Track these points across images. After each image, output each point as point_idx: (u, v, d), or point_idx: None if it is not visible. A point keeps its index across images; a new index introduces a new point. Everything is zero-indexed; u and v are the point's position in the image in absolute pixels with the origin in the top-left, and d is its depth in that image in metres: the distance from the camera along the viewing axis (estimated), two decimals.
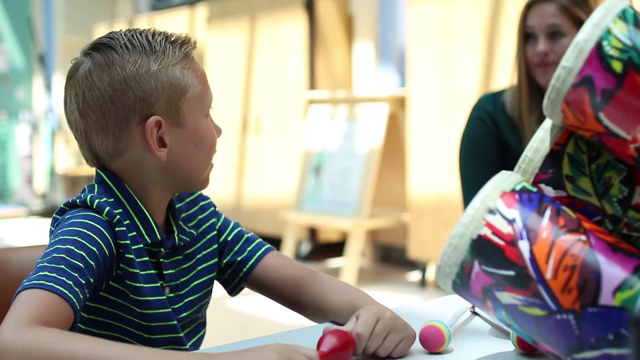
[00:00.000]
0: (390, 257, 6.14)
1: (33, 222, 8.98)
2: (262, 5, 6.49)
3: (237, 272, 1.56)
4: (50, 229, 1.39)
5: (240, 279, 1.56)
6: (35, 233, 7.98)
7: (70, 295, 1.21)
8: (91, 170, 1.47)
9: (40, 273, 1.22)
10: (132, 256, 1.36)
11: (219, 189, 6.88)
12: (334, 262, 6.19)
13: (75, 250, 1.27)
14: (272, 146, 6.41)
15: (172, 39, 1.42)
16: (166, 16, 7.75)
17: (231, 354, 1.14)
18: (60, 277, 1.21)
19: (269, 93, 6.43)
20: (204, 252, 1.52)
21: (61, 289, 1.20)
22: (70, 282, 1.22)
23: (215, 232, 1.55)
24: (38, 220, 9.06)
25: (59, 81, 9.84)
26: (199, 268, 1.51)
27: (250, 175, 6.62)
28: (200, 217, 1.54)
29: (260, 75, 6.52)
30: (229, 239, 1.57)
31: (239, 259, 1.56)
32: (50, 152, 9.71)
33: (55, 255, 1.25)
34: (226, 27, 6.84)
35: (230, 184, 6.80)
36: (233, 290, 1.59)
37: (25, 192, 9.83)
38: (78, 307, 1.22)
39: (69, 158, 9.60)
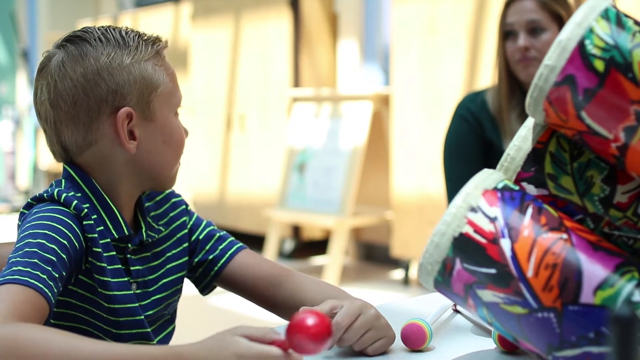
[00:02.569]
0: (374, 255, 6.15)
1: (16, 218, 8.92)
2: (247, 2, 6.48)
3: (208, 270, 1.55)
4: (18, 223, 1.39)
5: (212, 277, 1.55)
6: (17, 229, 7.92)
7: (45, 289, 1.21)
8: None
9: (14, 268, 1.21)
10: (99, 250, 1.36)
11: (203, 186, 6.87)
12: (317, 260, 6.19)
13: (47, 244, 1.27)
14: (256, 143, 6.40)
15: (145, 37, 1.44)
16: (150, 13, 7.72)
17: (198, 350, 1.12)
18: (35, 272, 1.22)
19: (254, 90, 6.42)
20: (173, 251, 1.52)
21: (36, 283, 1.20)
22: (45, 276, 1.22)
23: (186, 231, 1.54)
24: None
25: None
26: (168, 266, 1.50)
27: (234, 173, 6.61)
28: (171, 214, 1.54)
29: (245, 73, 6.51)
30: (201, 237, 1.56)
31: (211, 257, 1.55)
32: (33, 148, 9.66)
33: (27, 249, 1.25)
34: (210, 24, 6.83)
35: (214, 181, 6.79)
36: (205, 289, 1.58)
37: (8, 188, 9.79)
38: (53, 301, 1.22)
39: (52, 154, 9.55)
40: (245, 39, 6.50)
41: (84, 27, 1.43)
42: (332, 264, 5.37)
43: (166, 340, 1.51)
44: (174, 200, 1.56)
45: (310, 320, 1.10)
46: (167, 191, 1.55)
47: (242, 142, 6.52)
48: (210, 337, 1.12)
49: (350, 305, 1.33)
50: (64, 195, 1.36)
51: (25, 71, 9.89)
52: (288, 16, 6.12)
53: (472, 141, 2.72)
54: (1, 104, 10.13)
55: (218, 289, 1.60)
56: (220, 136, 6.71)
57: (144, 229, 1.46)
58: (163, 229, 1.51)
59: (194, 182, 6.96)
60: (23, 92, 10.15)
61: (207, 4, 6.87)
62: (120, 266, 1.40)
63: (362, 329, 1.31)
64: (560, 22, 2.64)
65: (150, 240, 1.47)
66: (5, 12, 10.15)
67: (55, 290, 1.24)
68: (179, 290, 1.53)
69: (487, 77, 4.53)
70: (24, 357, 1.08)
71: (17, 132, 9.97)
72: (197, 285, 1.59)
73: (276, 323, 1.54)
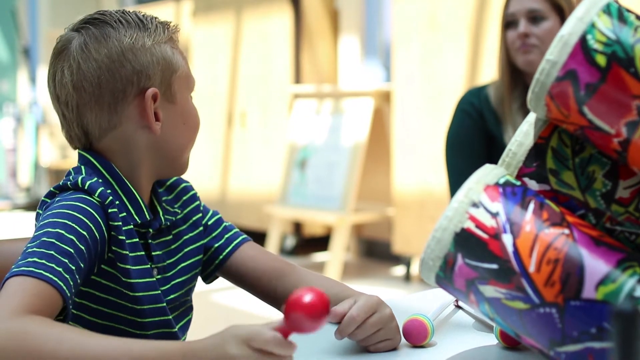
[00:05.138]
0: (375, 251, 6.15)
1: (17, 215, 8.95)
2: None
3: (213, 259, 1.55)
4: (38, 212, 1.36)
5: (216, 266, 1.55)
6: (19, 226, 7.95)
7: (60, 283, 1.19)
8: (76, 163, 1.45)
9: (30, 259, 1.19)
10: (123, 237, 1.34)
11: (204, 183, 6.86)
12: (318, 257, 6.19)
13: (66, 234, 1.25)
14: (257, 140, 6.40)
15: (159, 20, 1.44)
16: (151, 9, 7.72)
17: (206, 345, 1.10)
18: (50, 264, 1.19)
19: (255, 87, 6.42)
20: (190, 234, 1.51)
21: (50, 276, 1.18)
22: (60, 269, 1.20)
23: (200, 215, 1.54)
24: (22, 214, 9.03)
25: (44, 74, 9.79)
26: (185, 250, 1.49)
27: (235, 169, 6.61)
28: (184, 198, 1.54)
29: (246, 69, 6.51)
30: (210, 223, 1.56)
31: (216, 245, 1.55)
32: (34, 146, 9.66)
33: (45, 239, 1.23)
34: (212, 21, 6.83)
35: (215, 177, 6.79)
36: (207, 278, 1.57)
37: (9, 186, 9.78)
38: (68, 294, 1.20)
39: (53, 151, 9.56)
40: (246, 36, 6.50)
41: (99, 11, 1.43)
42: (333, 260, 5.37)
43: (185, 328, 1.50)
44: (184, 184, 1.55)
45: (308, 297, 1.04)
46: (174, 178, 1.54)
47: (243, 138, 6.52)
48: (212, 335, 1.12)
49: (367, 301, 1.32)
50: (88, 182, 1.34)
51: (26, 68, 9.89)
52: (289, 12, 6.12)
53: (474, 134, 2.73)
54: (2, 101, 10.12)
55: (222, 284, 1.60)
56: (222, 133, 6.71)
57: (161, 213, 1.45)
58: (179, 211, 1.51)
59: (195, 179, 6.95)
60: (24, 89, 10.15)
61: (208, 0, 6.87)
62: (142, 252, 1.39)
63: (375, 326, 1.31)
64: (561, 12, 2.65)
65: (168, 224, 1.47)
66: (6, 9, 10.15)
67: (72, 283, 1.21)
68: (198, 274, 1.53)
69: (489, 72, 4.53)
70: (33, 353, 1.07)
71: (18, 129, 9.97)
72: (201, 273, 1.58)
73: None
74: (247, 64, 6.50)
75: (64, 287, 1.20)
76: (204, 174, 6.87)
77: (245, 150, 6.51)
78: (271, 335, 1.05)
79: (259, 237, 6.02)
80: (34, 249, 1.22)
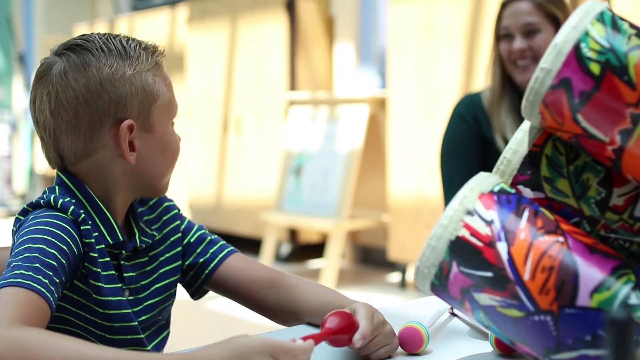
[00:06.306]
0: (371, 258, 6.15)
1: (12, 222, 8.92)
2: (243, 5, 6.48)
3: (199, 274, 1.55)
4: (13, 229, 1.39)
5: (203, 281, 1.55)
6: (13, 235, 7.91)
7: (48, 294, 1.20)
8: None
9: (17, 272, 1.21)
10: (95, 255, 1.36)
11: (200, 189, 6.86)
12: (314, 264, 6.19)
13: (48, 249, 1.26)
14: (252, 147, 6.40)
15: (144, 45, 1.43)
16: (147, 16, 7.72)
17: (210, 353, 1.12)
18: (37, 276, 1.21)
19: (250, 94, 6.42)
20: (167, 255, 1.51)
21: (39, 287, 1.20)
22: (47, 281, 1.22)
23: (179, 235, 1.54)
24: None
25: None
26: (160, 271, 1.49)
27: (230, 176, 6.60)
28: (164, 218, 1.54)
29: (241, 76, 6.51)
30: (192, 240, 1.55)
31: (201, 260, 1.54)
32: (29, 152, 9.65)
33: (28, 254, 1.24)
34: (207, 28, 6.83)
35: (211, 184, 6.79)
36: (195, 294, 1.57)
37: (4, 193, 9.78)
38: (54, 306, 1.22)
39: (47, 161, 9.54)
40: (242, 42, 6.50)
41: (83, 35, 1.42)
42: (328, 267, 5.37)
43: (160, 346, 1.50)
44: (166, 204, 1.55)
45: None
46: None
47: (238, 145, 6.52)
48: (216, 343, 1.11)
49: (364, 309, 1.31)
50: (61, 201, 1.35)
51: (22, 75, 9.88)
52: (284, 19, 6.12)
53: (469, 139, 2.74)
54: None
55: (211, 293, 1.60)
56: (217, 139, 6.71)
57: (137, 235, 1.46)
58: (156, 234, 1.50)
59: (191, 186, 6.95)
60: (19, 96, 10.14)
61: (203, 7, 6.87)
62: (113, 272, 1.40)
63: (373, 332, 1.30)
64: (556, 23, 2.66)
65: (144, 246, 1.47)
66: (1, 16, 10.15)
67: (56, 295, 1.23)
68: (173, 295, 1.53)
69: (484, 79, 4.53)
70: None
71: (13, 136, 9.96)
72: (188, 290, 1.58)
73: (271, 327, 1.53)
74: (242, 71, 6.50)
75: (51, 299, 1.21)
76: (199, 181, 6.87)
77: (240, 157, 6.51)
78: (300, 347, 1.13)
79: (255, 244, 6.01)
80: (19, 262, 1.23)
